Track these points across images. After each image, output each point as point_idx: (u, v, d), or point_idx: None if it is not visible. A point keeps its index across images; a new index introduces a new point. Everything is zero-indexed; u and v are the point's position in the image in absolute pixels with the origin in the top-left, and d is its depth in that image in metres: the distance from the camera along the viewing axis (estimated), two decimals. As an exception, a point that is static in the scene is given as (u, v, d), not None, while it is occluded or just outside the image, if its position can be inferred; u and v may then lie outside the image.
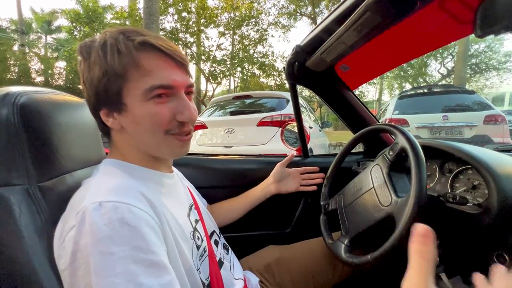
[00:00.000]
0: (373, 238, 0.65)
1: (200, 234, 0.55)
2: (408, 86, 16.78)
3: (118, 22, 9.85)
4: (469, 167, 0.67)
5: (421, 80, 16.07)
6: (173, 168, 0.62)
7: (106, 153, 0.58)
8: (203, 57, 10.56)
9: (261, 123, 2.85)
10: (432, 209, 0.65)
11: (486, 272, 0.61)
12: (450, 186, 0.74)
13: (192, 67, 11.34)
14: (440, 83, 13.23)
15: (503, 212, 0.55)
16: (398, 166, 0.66)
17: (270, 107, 3.14)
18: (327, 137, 4.79)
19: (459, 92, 4.20)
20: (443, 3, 0.52)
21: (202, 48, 10.85)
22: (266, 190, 0.90)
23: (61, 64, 16.18)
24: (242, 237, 0.87)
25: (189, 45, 10.30)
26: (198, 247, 0.52)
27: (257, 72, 11.57)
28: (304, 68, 0.87)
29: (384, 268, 0.69)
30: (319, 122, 4.98)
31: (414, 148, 0.58)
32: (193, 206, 0.61)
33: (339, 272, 0.80)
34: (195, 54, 10.51)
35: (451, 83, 10.95)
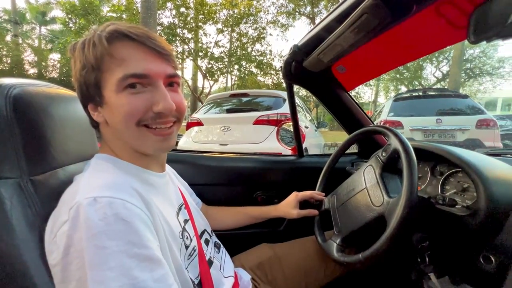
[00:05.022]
0: (365, 237, 0.65)
1: (189, 234, 0.56)
2: (403, 89, 16.93)
3: (114, 15, 9.70)
4: (459, 170, 0.69)
5: (416, 83, 16.24)
6: (166, 167, 0.62)
7: None
8: (200, 54, 10.49)
9: (257, 122, 2.85)
10: (423, 210, 0.66)
11: (472, 272, 0.63)
12: (441, 188, 0.75)
13: (189, 64, 11.29)
14: (435, 87, 13.38)
15: (490, 215, 0.57)
16: (390, 167, 0.67)
17: (266, 105, 3.14)
18: (322, 137, 4.81)
19: (453, 96, 4.26)
20: (439, 8, 0.52)
21: (200, 45, 10.78)
22: (268, 213, 0.88)
23: (55, 56, 15.92)
24: (236, 235, 0.88)
25: (186, 41, 10.22)
26: (186, 247, 0.52)
27: (254, 70, 11.56)
28: (301, 68, 0.88)
29: (375, 267, 0.70)
30: (315, 122, 5.00)
31: (406, 150, 0.59)
32: (183, 206, 0.61)
33: (331, 271, 0.81)
34: (192, 50, 10.43)
35: (446, 87, 11.09)
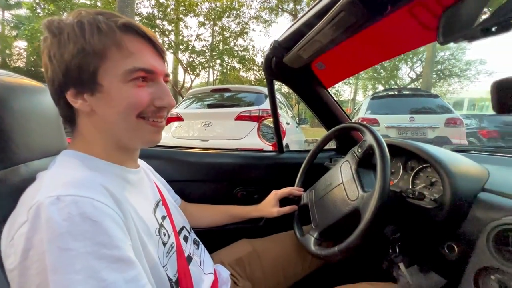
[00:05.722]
0: (341, 231, 0.67)
1: (167, 231, 0.54)
2: (380, 88, 17.63)
3: (88, 2, 9.14)
4: (428, 165, 0.72)
5: (392, 82, 16.96)
6: (140, 163, 0.60)
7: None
8: (181, 47, 10.19)
9: (239, 117, 2.84)
10: (394, 204, 0.69)
11: (438, 261, 0.67)
12: (412, 183, 0.79)
13: (169, 57, 10.94)
14: (409, 86, 14.06)
15: (454, 207, 0.61)
16: (365, 163, 0.69)
17: (248, 101, 3.13)
18: (303, 134, 4.90)
19: (425, 96, 4.51)
20: (412, 9, 0.54)
21: (181, 37, 10.47)
22: (248, 214, 0.88)
23: (21, 44, 14.69)
24: (215, 231, 0.87)
25: (166, 33, 9.88)
26: (164, 244, 0.51)
27: (237, 65, 11.45)
28: (281, 64, 0.88)
29: (351, 258, 0.73)
30: (297, 118, 5.07)
31: (380, 146, 0.61)
32: (160, 202, 0.59)
33: (309, 264, 0.83)
34: (173, 43, 10.11)
35: (419, 87, 11.69)
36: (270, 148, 2.66)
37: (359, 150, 0.69)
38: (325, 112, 1.06)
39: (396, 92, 4.89)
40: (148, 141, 0.50)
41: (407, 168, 0.82)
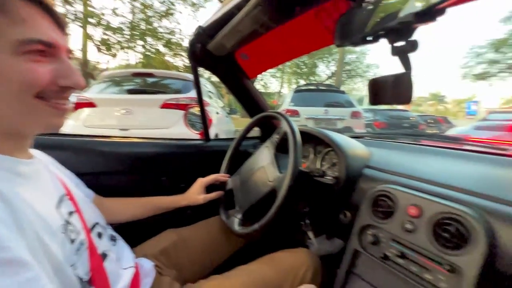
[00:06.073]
0: (262, 210, 0.74)
1: (76, 227, 0.49)
2: (303, 82, 19.44)
3: None
4: (331, 149, 0.87)
5: (312, 78, 18.93)
6: (37, 154, 0.52)
7: None
8: (92, 20, 8.67)
9: (165, 105, 2.66)
10: (305, 182, 0.81)
11: (337, 226, 0.82)
12: (320, 164, 0.93)
13: (76, 30, 9.16)
14: (325, 83, 15.98)
15: (348, 182, 0.75)
16: (282, 147, 0.78)
17: (175, 88, 2.96)
18: (233, 124, 4.98)
19: (336, 92, 5.27)
20: (317, 13, 0.63)
21: (91, 9, 8.87)
22: (177, 203, 0.86)
23: None
24: (140, 224, 0.82)
25: (70, 0, 8.20)
26: (72, 241, 0.46)
27: (162, 49, 10.54)
28: (206, 51, 0.87)
29: (269, 233, 0.81)
30: (227, 108, 5.10)
31: (293, 132, 0.70)
32: (66, 197, 0.52)
33: (234, 244, 0.88)
34: (80, 14, 8.49)
35: (333, 84, 13.42)
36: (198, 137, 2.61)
37: (277, 137, 0.77)
38: (249, 101, 1.12)
39: (314, 87, 5.52)
40: (48, 125, 0.43)
41: (316, 152, 0.96)
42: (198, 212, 1.06)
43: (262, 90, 20.49)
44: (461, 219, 0.51)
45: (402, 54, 0.43)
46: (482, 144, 0.97)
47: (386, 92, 0.46)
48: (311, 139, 0.96)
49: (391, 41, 0.45)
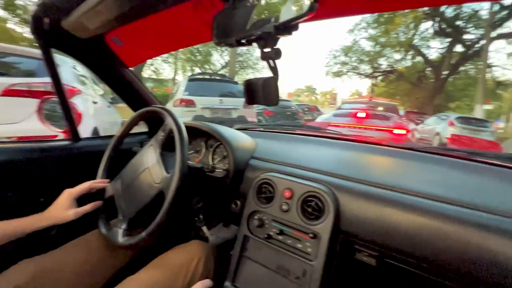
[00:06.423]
0: (150, 215, 0.69)
1: None
2: (198, 70, 19.02)
3: None
4: (220, 143, 0.89)
5: (207, 67, 18.82)
6: None
7: None
8: None
9: (9, 92, 1.98)
10: (197, 178, 0.80)
11: (230, 215, 0.87)
12: (212, 158, 0.94)
13: None
14: (219, 72, 16.26)
15: (236, 173, 0.80)
16: (168, 146, 0.73)
17: (25, 70, 2.24)
18: (119, 115, 4.29)
19: (230, 82, 5.47)
20: (195, 6, 0.61)
21: None
22: (32, 225, 0.66)
23: None
24: None
25: None
26: None
27: (1, 13, 7.64)
28: (60, 30, 0.69)
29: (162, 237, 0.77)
30: (109, 96, 4.32)
31: (179, 129, 0.67)
32: None
33: (121, 258, 0.78)
34: None
35: (227, 73, 13.82)
36: (62, 135, 2.07)
37: (162, 134, 0.72)
38: (130, 93, 0.99)
39: (209, 77, 5.52)
40: None
41: (208, 146, 0.97)
42: (67, 231, 0.87)
43: (153, 76, 18.60)
44: (318, 195, 0.64)
45: (269, 60, 0.48)
46: (338, 131, 1.24)
47: (258, 93, 0.51)
48: (202, 134, 0.95)
49: (261, 47, 0.49)
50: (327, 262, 0.60)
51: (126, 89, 0.97)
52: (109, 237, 0.69)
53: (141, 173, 0.71)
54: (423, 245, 0.52)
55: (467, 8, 12.51)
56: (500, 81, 14.36)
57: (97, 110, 2.95)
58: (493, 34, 11.63)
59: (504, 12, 11.41)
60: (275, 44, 0.47)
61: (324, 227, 0.61)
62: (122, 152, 0.87)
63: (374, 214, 0.58)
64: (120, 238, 0.67)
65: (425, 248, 0.52)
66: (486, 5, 11.56)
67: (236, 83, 5.47)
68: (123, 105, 1.12)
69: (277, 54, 0.47)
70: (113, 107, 3.99)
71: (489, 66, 12.68)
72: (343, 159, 0.86)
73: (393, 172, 0.74)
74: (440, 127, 7.56)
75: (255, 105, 5.36)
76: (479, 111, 10.45)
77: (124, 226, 0.69)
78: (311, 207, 0.64)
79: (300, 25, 0.44)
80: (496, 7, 11.04)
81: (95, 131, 2.62)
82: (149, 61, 16.56)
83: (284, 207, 0.68)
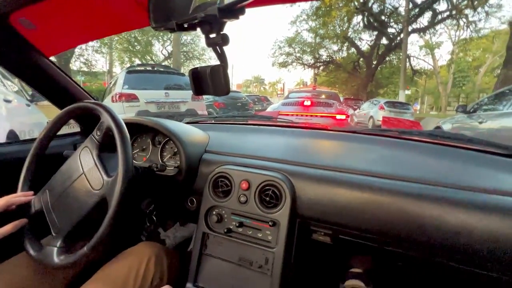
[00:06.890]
0: (91, 227, 0.60)
1: None
2: (138, 61, 17.40)
3: None
4: (169, 138, 0.83)
5: (148, 57, 17.38)
6: None
7: None
8: None
9: None
10: (146, 179, 0.73)
11: (186, 214, 0.82)
12: (161, 155, 0.87)
13: None
14: (163, 63, 15.19)
15: (189, 170, 0.76)
16: (107, 146, 0.65)
17: None
18: (43, 114, 3.65)
19: (175, 74, 5.15)
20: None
21: None
22: None
23: None
24: None
25: None
26: None
27: None
28: None
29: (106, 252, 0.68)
30: (26, 93, 3.63)
31: (118, 126, 0.59)
32: None
33: (60, 279, 0.68)
34: None
35: (171, 65, 13.00)
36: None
37: (98, 133, 0.63)
38: (52, 87, 0.83)
39: (151, 68, 5.10)
40: None
41: (155, 143, 0.89)
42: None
43: (84, 69, 16.29)
44: (275, 183, 0.65)
45: (215, 46, 0.45)
46: (288, 119, 1.28)
47: (206, 82, 0.48)
48: (148, 130, 0.87)
49: (205, 32, 0.45)
50: (287, 246, 0.62)
51: (46, 83, 0.81)
52: (41, 259, 0.59)
53: (75, 180, 0.61)
54: (369, 219, 0.58)
55: (388, 4, 14.27)
56: (416, 70, 17.01)
57: (12, 110, 2.48)
58: (409, 28, 13.50)
59: (416, 10, 13.33)
60: (221, 30, 0.44)
61: (282, 213, 0.63)
62: (50, 157, 0.74)
63: (327, 196, 0.61)
64: (56, 258, 0.57)
65: (371, 221, 0.57)
66: (403, 2, 13.29)
67: (183, 74, 5.18)
68: (46, 103, 0.94)
69: (224, 40, 0.44)
70: (34, 105, 3.38)
71: (408, 56, 14.78)
72: (295, 146, 0.89)
73: (340, 154, 0.80)
74: (373, 111, 8.57)
75: (204, 97, 5.19)
76: (402, 96, 12.16)
77: (59, 243, 0.59)
78: (269, 196, 0.65)
79: (247, 12, 0.42)
80: (411, 5, 12.79)
81: (12, 134, 2.20)
82: (77, 51, 14.45)
83: (242, 199, 0.67)
